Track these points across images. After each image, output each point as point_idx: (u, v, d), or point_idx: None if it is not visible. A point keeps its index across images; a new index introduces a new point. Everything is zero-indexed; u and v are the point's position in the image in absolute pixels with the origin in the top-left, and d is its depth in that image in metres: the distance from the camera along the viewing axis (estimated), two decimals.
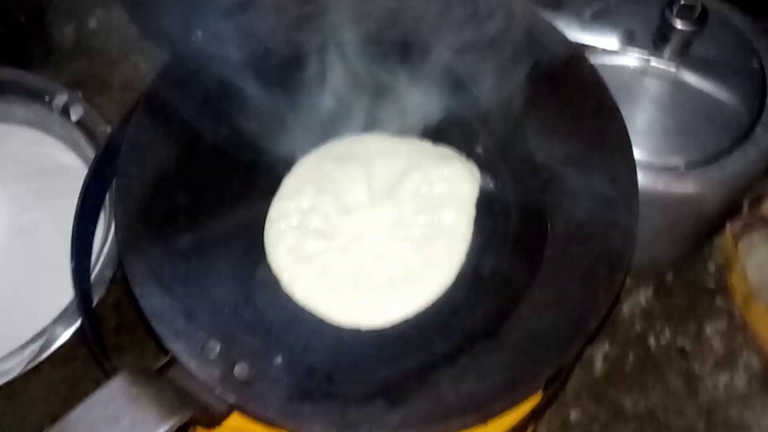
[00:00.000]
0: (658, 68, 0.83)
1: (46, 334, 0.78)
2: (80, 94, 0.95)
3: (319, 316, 0.70)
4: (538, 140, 0.75)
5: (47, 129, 0.93)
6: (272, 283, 0.71)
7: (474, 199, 0.74)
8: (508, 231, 0.73)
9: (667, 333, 0.89)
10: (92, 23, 1.03)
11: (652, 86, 0.82)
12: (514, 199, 0.75)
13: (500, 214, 0.74)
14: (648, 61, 0.83)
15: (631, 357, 0.83)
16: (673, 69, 0.83)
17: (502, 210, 0.74)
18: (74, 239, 0.78)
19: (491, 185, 0.75)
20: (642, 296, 0.91)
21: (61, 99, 0.91)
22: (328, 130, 0.78)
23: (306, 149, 0.78)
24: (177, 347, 0.66)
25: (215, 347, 0.66)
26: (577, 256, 0.69)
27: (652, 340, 0.85)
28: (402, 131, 0.78)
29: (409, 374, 0.65)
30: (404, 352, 0.67)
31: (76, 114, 0.91)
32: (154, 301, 0.68)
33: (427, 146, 0.81)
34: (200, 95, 0.76)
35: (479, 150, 0.77)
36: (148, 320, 0.67)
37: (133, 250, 0.73)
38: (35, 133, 0.93)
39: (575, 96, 0.75)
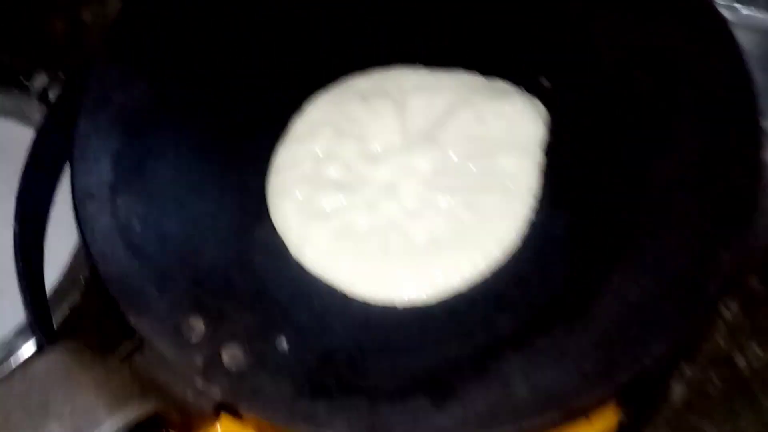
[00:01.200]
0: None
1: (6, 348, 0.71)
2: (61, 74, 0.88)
3: (337, 288, 0.61)
4: (623, 63, 0.66)
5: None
6: (276, 245, 0.63)
7: (540, 141, 0.65)
8: (589, 178, 0.63)
9: (757, 351, 0.77)
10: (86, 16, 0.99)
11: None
12: (594, 138, 0.65)
13: (577, 158, 0.65)
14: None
15: (715, 380, 0.73)
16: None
17: (578, 152, 0.65)
18: (19, 200, 0.68)
19: (562, 124, 0.66)
20: (726, 309, 0.79)
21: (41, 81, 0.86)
22: (348, 62, 0.71)
23: (321, 86, 0.71)
24: (143, 323, 0.57)
25: (197, 325, 0.58)
26: (685, 204, 0.59)
27: (740, 360, 0.74)
28: (444, 62, 0.71)
29: (462, 362, 0.56)
30: (454, 333, 0.58)
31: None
32: (115, 262, 0.60)
33: (478, 79, 0.70)
34: (176, 18, 0.71)
35: (545, 82, 0.69)
36: (106, 287, 0.58)
37: (90, 197, 0.62)
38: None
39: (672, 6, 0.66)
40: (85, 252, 0.61)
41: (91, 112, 0.67)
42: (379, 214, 0.63)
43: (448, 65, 0.70)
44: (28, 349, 0.72)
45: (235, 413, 0.55)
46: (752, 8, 0.74)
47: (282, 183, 0.66)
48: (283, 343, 0.57)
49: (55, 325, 0.70)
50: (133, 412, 0.46)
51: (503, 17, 0.72)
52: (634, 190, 0.61)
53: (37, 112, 0.85)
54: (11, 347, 0.71)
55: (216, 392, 0.54)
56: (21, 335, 0.72)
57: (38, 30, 0.95)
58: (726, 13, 0.70)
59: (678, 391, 0.73)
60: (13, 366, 0.68)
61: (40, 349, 0.60)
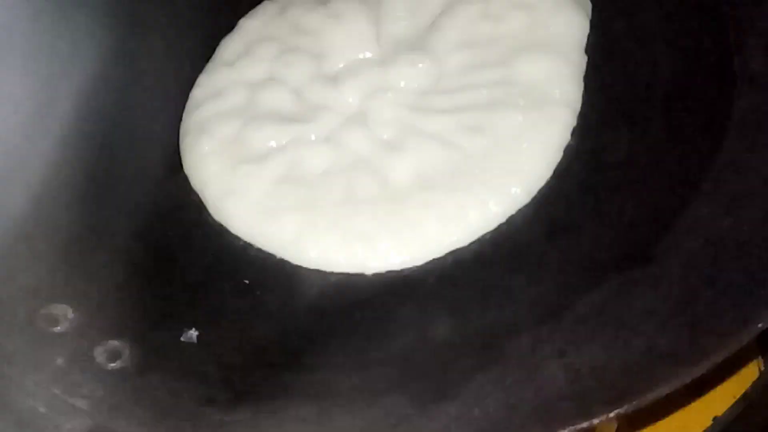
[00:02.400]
0: None
1: None
2: None
3: (278, 255, 0.57)
4: None
5: None
6: (190, 203, 0.59)
7: (583, 38, 0.61)
8: (655, 82, 0.59)
9: None
10: None
11: None
12: (660, 29, 0.61)
13: (636, 57, 0.61)
14: None
15: None
16: None
17: (638, 50, 0.61)
18: None
19: (613, 13, 0.62)
20: None
21: None
22: None
23: None
24: None
25: (63, 313, 0.53)
26: None
27: None
28: None
29: (465, 345, 0.51)
30: (453, 307, 0.53)
31: None
32: None
33: None
34: None
35: None
36: None
37: None
38: None
39: None
40: None
41: None
42: (342, 149, 0.58)
43: None
44: None
45: None
46: None
47: (201, 120, 0.61)
48: (192, 334, 0.53)
49: None
50: None
51: None
52: (723, 89, 0.56)
53: None
54: None
55: (82, 406, 0.49)
56: None
57: None
58: None
59: None
60: None
61: None
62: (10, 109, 0.60)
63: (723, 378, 0.54)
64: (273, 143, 0.58)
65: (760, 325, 0.46)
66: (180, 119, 0.62)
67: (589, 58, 0.60)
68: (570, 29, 0.60)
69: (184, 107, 0.62)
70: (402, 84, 0.60)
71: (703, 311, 0.47)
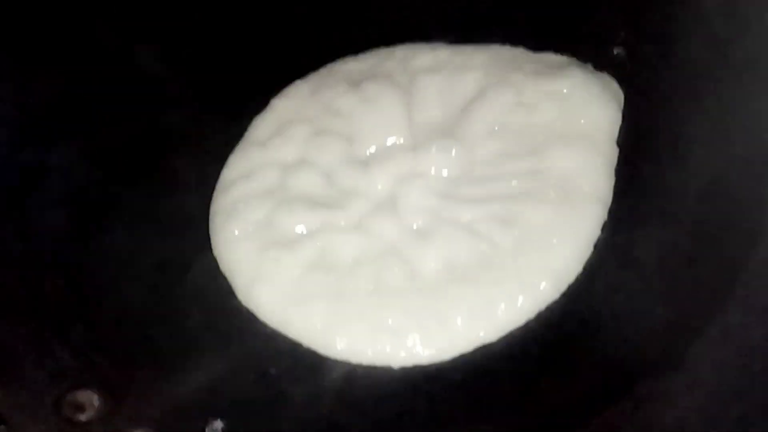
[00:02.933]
0: None
1: None
2: None
3: (305, 344, 0.56)
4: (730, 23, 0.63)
5: None
6: (218, 288, 0.59)
7: (614, 131, 0.61)
8: (688, 178, 0.59)
9: None
10: None
11: None
12: (692, 125, 0.60)
13: (668, 152, 0.60)
14: None
15: None
16: None
17: (670, 144, 0.60)
18: None
19: (646, 107, 0.62)
20: None
21: None
22: (335, 43, 0.68)
23: (297, 74, 0.67)
24: (8, 398, 0.54)
25: (89, 400, 0.53)
26: None
27: None
28: (472, 36, 0.67)
29: None
30: (480, 407, 0.53)
31: None
32: None
33: (520, 53, 0.65)
34: None
35: (618, 51, 0.65)
36: None
37: None
38: None
39: None
40: None
41: None
42: (372, 237, 0.58)
43: (478, 40, 0.66)
44: None
45: None
46: None
47: (232, 201, 0.61)
48: (217, 425, 0.52)
49: None
50: None
51: None
52: (758, 187, 0.56)
53: None
54: None
55: None
56: None
57: None
58: None
59: None
60: None
61: None
62: None
63: None
64: (303, 228, 0.58)
65: None
66: (210, 198, 0.61)
67: (620, 151, 0.59)
68: (602, 121, 0.60)
69: (213, 186, 0.62)
70: (432, 171, 0.60)
71: (734, 427, 0.46)
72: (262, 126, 0.64)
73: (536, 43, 0.65)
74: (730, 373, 0.48)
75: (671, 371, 0.50)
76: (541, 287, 0.54)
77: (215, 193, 0.62)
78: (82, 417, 0.52)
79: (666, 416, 0.48)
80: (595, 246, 0.56)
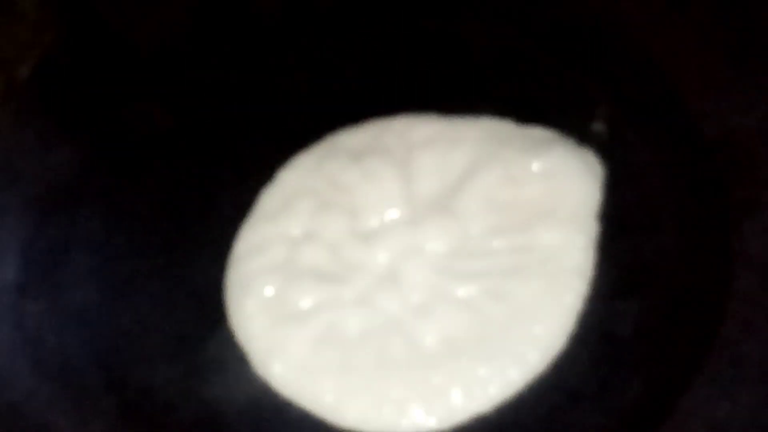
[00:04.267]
0: None
1: None
2: None
3: (316, 415, 0.59)
4: (705, 102, 0.66)
5: None
6: (235, 360, 0.62)
7: (595, 206, 0.64)
8: (662, 255, 0.62)
9: None
10: None
11: None
12: (667, 202, 0.64)
13: (644, 229, 0.64)
14: None
15: None
16: None
17: (646, 221, 0.64)
18: None
19: (624, 183, 0.65)
20: None
21: None
22: (334, 115, 0.71)
23: (300, 146, 0.71)
24: None
25: None
26: None
27: None
28: (465, 108, 0.70)
29: None
30: None
31: None
32: (17, 384, 0.60)
33: (508, 126, 0.68)
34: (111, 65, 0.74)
35: (599, 126, 0.68)
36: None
37: None
38: None
39: None
40: None
41: None
42: (375, 311, 0.61)
43: (469, 112, 0.69)
44: None
45: None
46: None
47: (245, 275, 0.64)
48: None
49: None
50: None
51: (543, 43, 0.71)
52: (724, 270, 0.59)
53: None
54: None
55: None
56: None
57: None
58: None
59: None
60: None
61: None
62: None
63: None
64: (311, 302, 0.62)
65: None
66: (222, 271, 0.65)
67: (601, 225, 0.63)
68: (583, 198, 0.63)
69: (225, 259, 0.65)
70: (429, 246, 0.63)
71: None
72: (270, 199, 0.67)
73: (523, 116, 0.68)
74: None
75: None
76: (530, 359, 0.58)
77: (229, 267, 0.65)
78: None
79: None
80: (579, 319, 0.59)
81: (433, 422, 0.57)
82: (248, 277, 0.64)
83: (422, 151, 0.67)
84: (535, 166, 0.65)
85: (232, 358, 0.62)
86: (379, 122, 0.70)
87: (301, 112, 0.71)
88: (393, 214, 0.65)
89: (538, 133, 0.67)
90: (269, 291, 0.63)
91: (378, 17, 0.74)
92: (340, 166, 0.68)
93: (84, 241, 0.66)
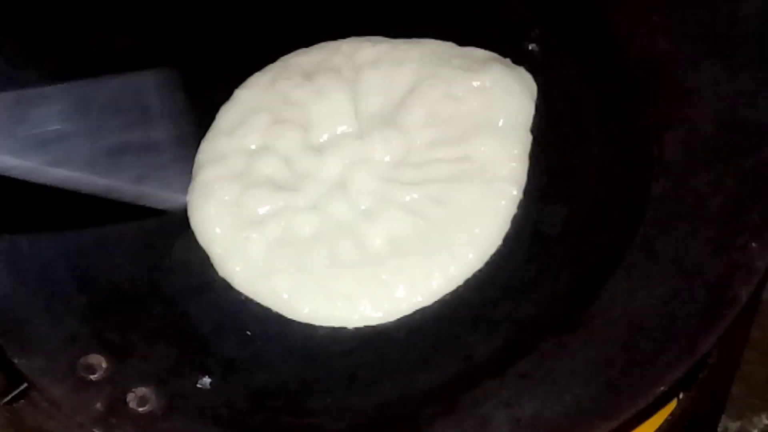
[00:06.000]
0: None
1: None
2: None
3: (274, 309, 0.63)
4: (629, 23, 0.70)
5: None
6: (198, 261, 0.65)
7: (528, 119, 0.68)
8: (587, 163, 0.66)
9: None
10: None
11: None
12: (593, 115, 0.68)
13: (572, 139, 0.67)
14: None
15: None
16: None
17: (574, 133, 0.68)
18: None
19: (555, 98, 0.68)
20: None
21: None
22: (288, 38, 0.73)
23: (255, 67, 0.73)
24: (30, 362, 0.59)
25: (97, 363, 0.59)
26: (705, 189, 0.61)
27: None
28: (409, 31, 0.73)
29: (429, 395, 0.58)
30: (419, 359, 0.60)
31: None
32: None
33: (449, 47, 0.71)
34: None
35: (532, 47, 0.71)
36: None
37: None
38: None
39: None
40: None
41: None
42: (326, 216, 0.64)
43: (413, 35, 0.72)
44: None
45: None
46: None
47: (205, 183, 0.66)
48: (206, 381, 0.59)
49: None
50: None
51: None
52: (643, 176, 0.63)
53: None
54: None
55: None
56: None
57: None
58: None
59: None
60: None
61: None
62: None
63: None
64: (268, 209, 0.65)
65: (662, 388, 0.54)
66: (185, 183, 0.67)
67: (533, 138, 0.66)
68: (518, 111, 0.67)
69: (188, 171, 0.68)
70: (376, 156, 0.66)
71: (618, 374, 0.54)
72: (228, 114, 0.70)
73: (463, 38, 0.71)
74: (616, 331, 0.56)
75: (570, 329, 0.57)
76: (469, 257, 0.62)
77: (192, 175, 0.67)
78: (94, 377, 0.57)
79: (565, 367, 0.55)
80: (512, 221, 0.63)
81: (380, 315, 0.61)
82: (209, 185, 0.66)
83: (369, 70, 0.70)
84: (474, 83, 0.68)
85: (194, 259, 0.64)
86: (329, 44, 0.72)
87: (257, 35, 0.74)
88: (342, 128, 0.68)
89: (476, 53, 0.70)
90: (228, 198, 0.65)
91: None
92: (293, 84, 0.70)
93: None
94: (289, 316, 0.62)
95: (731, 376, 0.71)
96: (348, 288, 0.62)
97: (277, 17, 0.75)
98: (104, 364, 0.58)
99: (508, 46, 0.70)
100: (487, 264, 0.62)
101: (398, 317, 0.61)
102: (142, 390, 0.57)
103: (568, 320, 0.58)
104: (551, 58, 0.70)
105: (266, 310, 0.62)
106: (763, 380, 0.96)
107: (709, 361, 0.59)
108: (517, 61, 0.70)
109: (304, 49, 0.72)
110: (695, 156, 0.62)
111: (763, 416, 0.94)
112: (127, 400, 0.57)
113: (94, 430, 0.56)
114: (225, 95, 0.71)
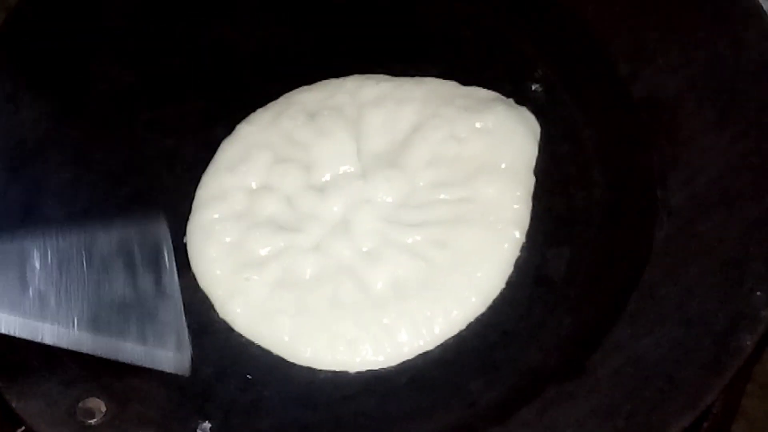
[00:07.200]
0: None
1: None
2: None
3: (275, 352, 0.62)
4: (634, 65, 0.69)
5: None
6: (198, 303, 0.64)
7: (532, 161, 0.68)
8: (591, 206, 0.66)
9: None
10: None
11: None
12: (597, 157, 0.68)
13: (576, 182, 0.67)
14: None
15: None
16: None
17: (578, 175, 0.67)
18: None
19: (559, 139, 0.68)
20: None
21: None
22: (291, 74, 0.73)
23: (257, 102, 0.73)
24: (28, 407, 0.58)
25: (96, 408, 0.58)
26: (710, 235, 0.61)
27: None
28: (412, 69, 0.73)
29: None
30: (421, 405, 0.60)
31: None
32: None
33: (453, 87, 0.71)
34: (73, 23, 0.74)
35: (536, 87, 0.71)
36: None
37: None
38: None
39: None
40: None
41: None
42: (328, 257, 0.64)
43: (416, 73, 0.72)
44: None
45: None
46: None
47: (205, 222, 0.66)
48: (206, 426, 0.58)
49: None
50: None
51: (485, 11, 0.75)
52: (647, 219, 0.63)
53: None
54: None
55: None
56: None
57: None
58: None
59: None
60: None
61: None
62: None
63: None
64: (270, 250, 0.64)
65: None
66: (184, 219, 0.67)
67: (537, 179, 0.66)
68: (521, 153, 0.66)
69: (188, 207, 0.67)
70: (379, 197, 0.66)
71: (623, 424, 0.54)
72: (229, 150, 0.69)
73: (466, 77, 0.71)
74: (622, 379, 0.56)
75: (574, 376, 0.57)
76: (471, 301, 0.62)
77: (191, 213, 0.67)
78: (93, 421, 0.57)
79: (569, 416, 0.55)
80: (515, 265, 0.63)
81: (382, 359, 0.61)
82: (208, 224, 0.66)
83: (372, 109, 0.70)
84: (477, 123, 0.68)
85: (196, 302, 0.63)
86: (332, 81, 0.72)
87: (260, 71, 0.73)
88: (345, 168, 0.68)
89: (479, 93, 0.70)
90: (230, 239, 0.65)
91: None
92: (296, 123, 0.70)
93: (52, 195, 0.67)
94: (291, 360, 0.61)
95: (732, 417, 0.70)
96: (350, 331, 0.61)
97: (281, 53, 0.74)
98: (103, 408, 0.58)
99: (511, 86, 0.70)
100: (489, 308, 0.62)
101: (400, 362, 0.61)
102: None
103: (572, 367, 0.58)
104: (555, 99, 0.70)
105: (267, 353, 0.62)
106: (763, 415, 0.95)
107: (713, 410, 0.59)
108: (520, 102, 0.70)
109: (306, 87, 0.72)
110: (700, 200, 0.62)
111: None
112: None
113: None
114: (227, 131, 0.71)
